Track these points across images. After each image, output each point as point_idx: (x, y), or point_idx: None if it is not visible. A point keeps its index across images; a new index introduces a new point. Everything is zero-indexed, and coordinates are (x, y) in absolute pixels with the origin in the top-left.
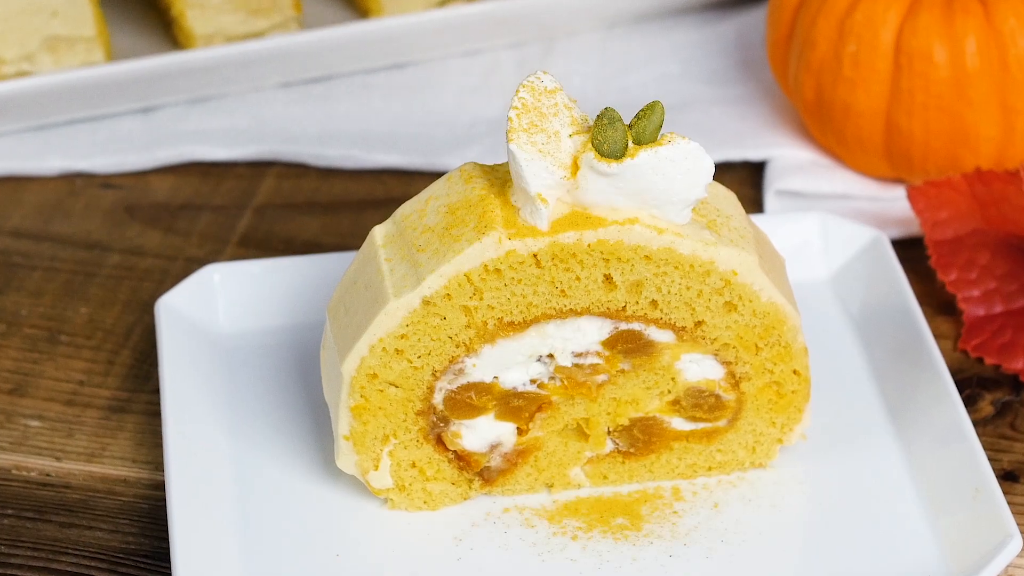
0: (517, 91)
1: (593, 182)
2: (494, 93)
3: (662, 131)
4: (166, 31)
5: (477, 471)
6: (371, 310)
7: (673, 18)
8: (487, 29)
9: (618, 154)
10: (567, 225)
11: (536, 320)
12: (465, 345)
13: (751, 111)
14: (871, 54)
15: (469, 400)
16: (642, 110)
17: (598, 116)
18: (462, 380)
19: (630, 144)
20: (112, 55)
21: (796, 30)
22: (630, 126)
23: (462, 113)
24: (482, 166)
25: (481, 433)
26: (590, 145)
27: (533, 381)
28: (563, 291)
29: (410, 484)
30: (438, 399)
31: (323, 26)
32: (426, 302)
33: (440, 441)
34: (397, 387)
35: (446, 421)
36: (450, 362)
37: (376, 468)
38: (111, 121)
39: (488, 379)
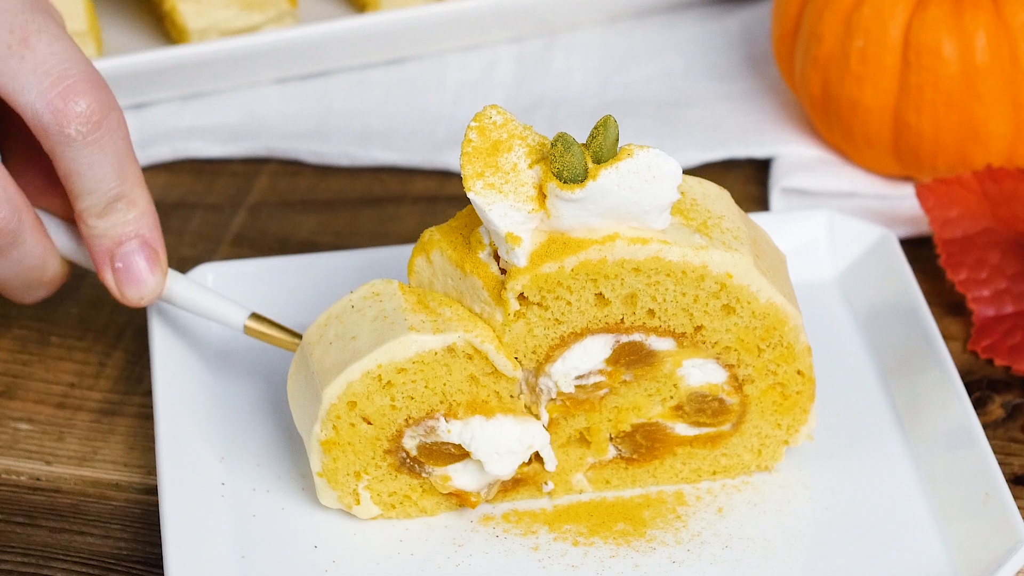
0: (466, 135)
1: (563, 209)
2: (494, 89)
3: (634, 130)
4: (158, 26)
5: (475, 507)
6: (380, 336)
7: (676, 12)
8: (486, 24)
9: (579, 178)
10: (546, 255)
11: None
12: (450, 407)
13: (756, 107)
14: (879, 49)
15: (448, 451)
16: (595, 128)
17: (552, 143)
18: (434, 437)
19: (590, 165)
20: (104, 50)
21: (802, 25)
22: (586, 145)
23: (461, 109)
24: (441, 227)
25: (473, 472)
26: (551, 174)
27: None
28: (557, 319)
29: (399, 505)
30: (410, 445)
31: (319, 20)
32: (450, 350)
33: (413, 471)
34: (369, 424)
35: (421, 465)
36: (426, 416)
37: (358, 503)
38: None
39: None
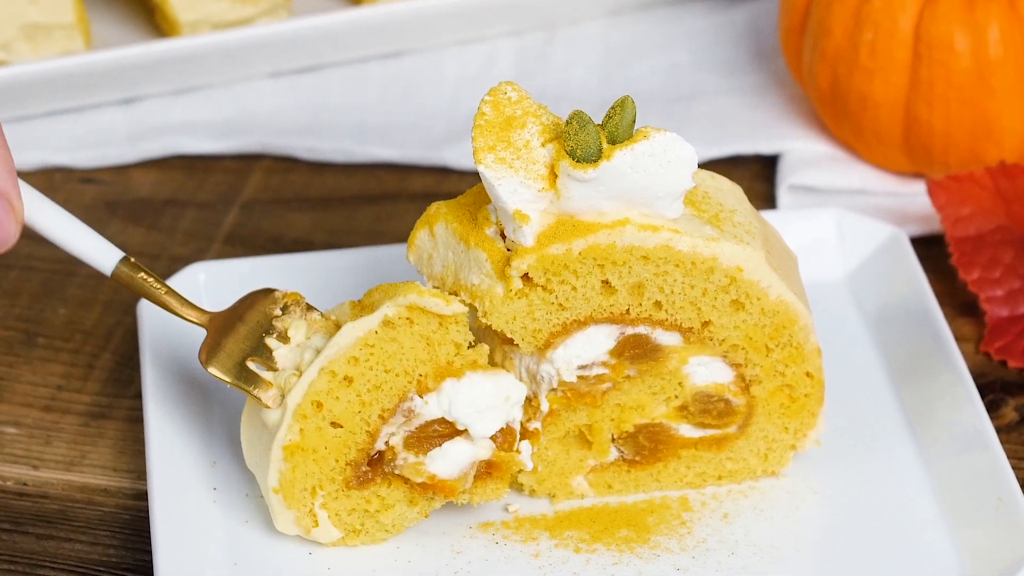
0: (479, 108)
1: (574, 189)
2: (493, 84)
3: (637, 125)
4: (149, 18)
5: (453, 497)
6: (328, 343)
7: (681, 5)
8: (486, 17)
9: (593, 157)
10: (553, 237)
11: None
12: (418, 382)
13: (763, 102)
14: (889, 42)
15: (436, 431)
16: (612, 107)
17: (567, 120)
18: (416, 421)
19: (604, 145)
20: (92, 43)
21: (811, 17)
22: (602, 125)
23: (460, 105)
24: (448, 202)
25: (452, 457)
26: (564, 152)
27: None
28: (561, 304)
29: (360, 525)
30: (395, 441)
31: (313, 13)
32: (386, 323)
33: (368, 482)
34: (339, 427)
35: (392, 462)
36: (399, 400)
37: (316, 525)
38: (92, 113)
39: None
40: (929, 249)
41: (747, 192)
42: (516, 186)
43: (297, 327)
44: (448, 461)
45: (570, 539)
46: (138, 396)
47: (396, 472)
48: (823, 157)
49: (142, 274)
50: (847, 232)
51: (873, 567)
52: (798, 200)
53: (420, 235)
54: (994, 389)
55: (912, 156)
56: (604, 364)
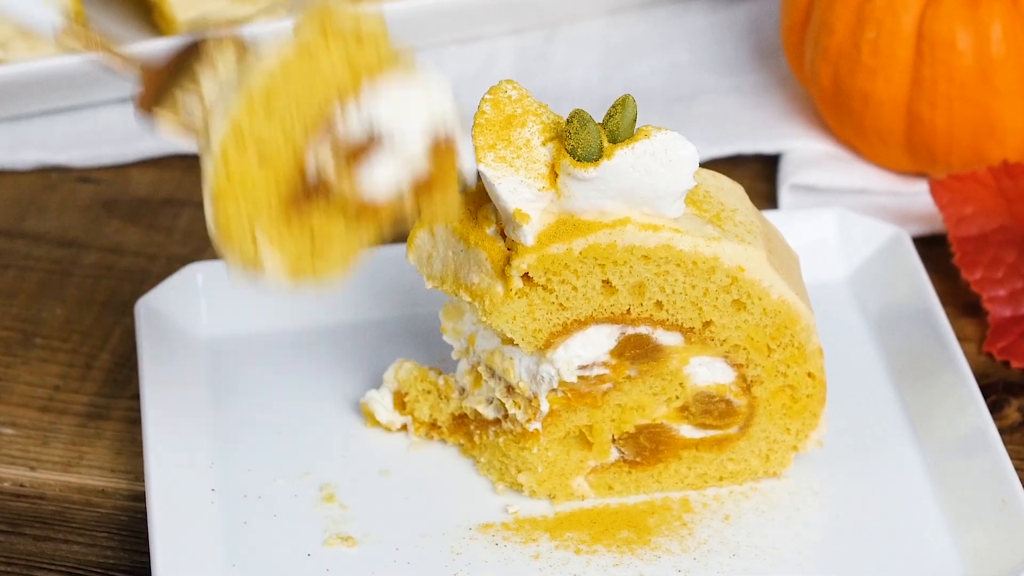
0: (479, 106)
1: (575, 188)
2: (493, 83)
3: (638, 124)
4: (147, 17)
5: (396, 218)
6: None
7: (682, 3)
8: (486, 16)
9: (594, 156)
10: (554, 236)
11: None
12: (340, 98)
13: (765, 101)
14: (891, 41)
15: (361, 149)
16: (613, 106)
17: (568, 119)
18: (342, 141)
19: (605, 144)
20: None
21: (812, 15)
22: (603, 124)
23: (460, 104)
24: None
25: (382, 174)
26: (564, 151)
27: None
28: (561, 304)
29: (309, 260)
30: (325, 166)
31: None
32: (301, 43)
33: (301, 216)
34: (266, 159)
35: (322, 191)
36: (323, 122)
37: (261, 259)
38: (89, 112)
39: None
40: (931, 249)
41: (748, 192)
42: (516, 185)
43: (227, 62)
44: (379, 180)
45: (570, 540)
46: (136, 397)
47: (331, 198)
48: (825, 156)
49: (90, 34)
50: (849, 232)
51: (875, 568)
52: (800, 200)
53: (420, 234)
54: (997, 390)
55: (914, 155)
56: (605, 364)
